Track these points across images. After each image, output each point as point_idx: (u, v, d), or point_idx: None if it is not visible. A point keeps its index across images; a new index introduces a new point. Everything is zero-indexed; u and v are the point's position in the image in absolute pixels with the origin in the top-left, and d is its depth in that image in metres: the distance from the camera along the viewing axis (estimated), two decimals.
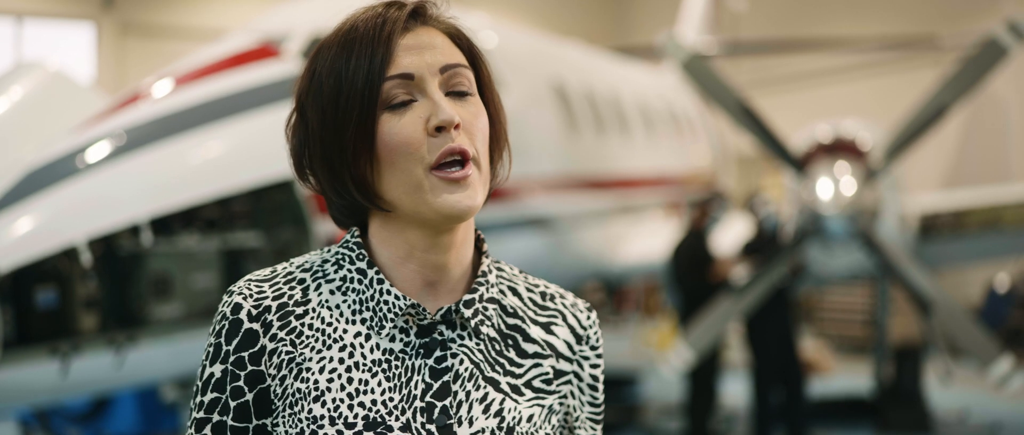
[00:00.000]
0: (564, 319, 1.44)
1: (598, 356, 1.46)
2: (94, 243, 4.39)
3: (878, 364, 9.07)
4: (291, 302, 1.33)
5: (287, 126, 1.37)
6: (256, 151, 4.89)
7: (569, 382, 1.42)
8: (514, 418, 1.34)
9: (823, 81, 15.29)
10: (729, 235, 8.85)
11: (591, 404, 1.46)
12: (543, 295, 1.45)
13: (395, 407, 1.29)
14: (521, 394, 1.36)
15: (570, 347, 1.43)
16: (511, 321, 1.40)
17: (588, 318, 1.47)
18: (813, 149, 6.80)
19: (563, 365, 1.42)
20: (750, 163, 16.13)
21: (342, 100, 1.27)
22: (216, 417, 1.31)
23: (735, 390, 9.46)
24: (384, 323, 1.32)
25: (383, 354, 1.31)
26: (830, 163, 6.60)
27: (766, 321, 7.73)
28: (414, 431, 1.28)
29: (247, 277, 1.37)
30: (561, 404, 1.41)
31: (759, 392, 8.04)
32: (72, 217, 4.40)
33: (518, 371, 1.37)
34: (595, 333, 1.47)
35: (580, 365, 1.44)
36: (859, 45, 14.33)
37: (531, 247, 7.35)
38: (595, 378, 1.46)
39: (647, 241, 9.17)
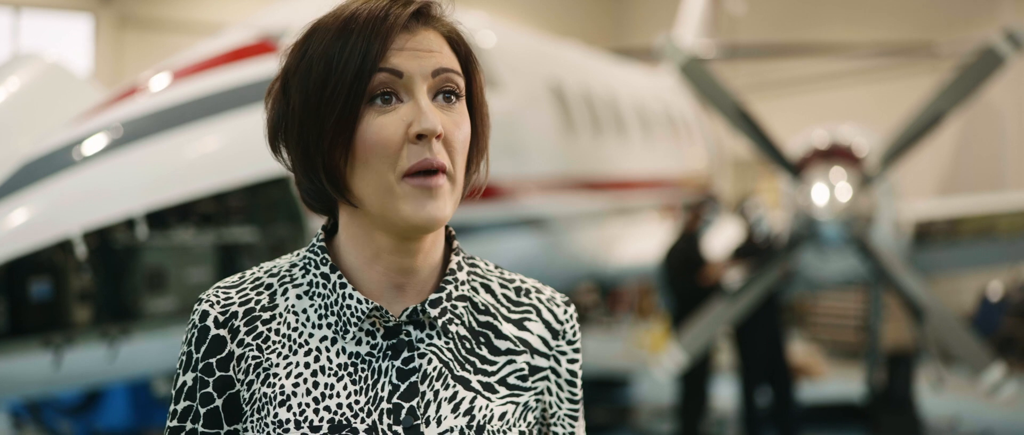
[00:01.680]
0: (539, 314, 1.43)
1: (575, 351, 1.45)
2: (89, 236, 4.38)
3: (870, 370, 9.09)
4: (258, 308, 1.34)
5: (268, 94, 1.36)
6: (253, 147, 4.88)
7: (545, 378, 1.41)
8: (485, 416, 1.33)
9: (820, 86, 15.32)
10: (721, 239, 8.86)
11: (570, 400, 1.45)
12: (518, 290, 1.44)
13: (361, 409, 1.29)
14: (494, 392, 1.35)
15: (546, 343, 1.42)
16: (483, 318, 1.39)
17: (565, 313, 1.45)
18: (809, 154, 6.81)
19: (539, 361, 1.40)
20: (746, 167, 16.16)
21: (328, 89, 1.26)
22: (189, 425, 1.33)
23: (726, 393, 9.48)
24: (349, 327, 1.32)
25: (349, 358, 1.31)
26: (826, 168, 6.61)
27: (755, 324, 7.74)
28: (380, 432, 1.28)
29: (216, 284, 1.38)
30: (537, 401, 1.40)
31: (747, 395, 8.07)
32: (67, 209, 4.39)
33: (490, 368, 1.36)
34: (572, 327, 1.45)
35: (557, 361, 1.42)
36: (857, 51, 14.35)
37: (526, 247, 7.36)
38: (573, 373, 1.44)
39: (642, 243, 9.17)
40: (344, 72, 1.25)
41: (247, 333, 1.33)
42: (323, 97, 1.26)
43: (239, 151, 4.86)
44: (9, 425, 7.56)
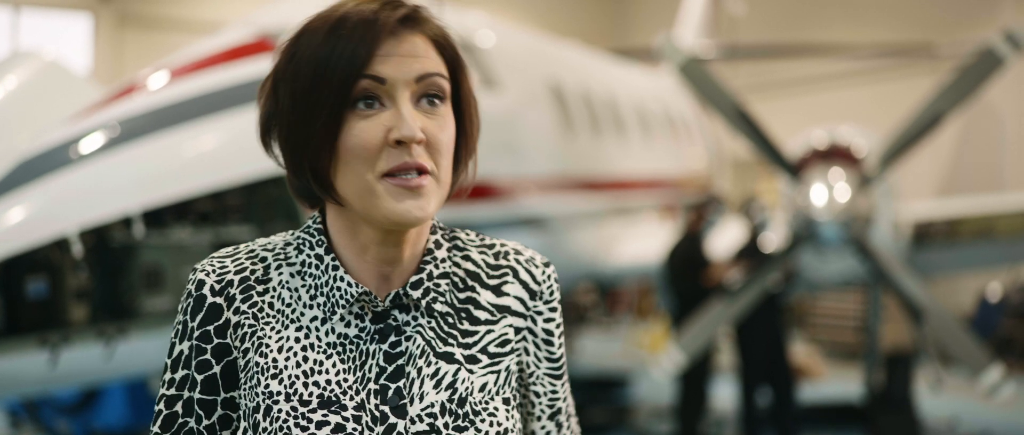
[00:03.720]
0: (516, 275, 1.45)
1: (552, 311, 1.47)
2: (86, 234, 4.37)
3: (869, 370, 9.08)
4: (252, 278, 1.37)
5: (260, 91, 1.38)
6: (250, 145, 4.85)
7: (524, 339, 1.44)
8: (466, 389, 1.35)
9: (820, 87, 15.31)
10: (724, 239, 8.85)
11: (548, 359, 1.46)
12: (497, 254, 1.47)
13: (349, 387, 1.31)
14: (476, 362, 1.37)
15: (523, 303, 1.44)
16: (463, 294, 1.41)
17: (543, 273, 1.47)
18: (808, 155, 6.80)
19: (517, 322, 1.43)
20: (746, 167, 16.15)
21: (315, 93, 1.28)
22: (186, 393, 1.35)
23: (725, 393, 9.47)
24: (337, 309, 1.34)
25: (338, 338, 1.34)
26: (825, 169, 6.60)
27: (756, 325, 7.73)
28: (367, 411, 1.30)
29: (210, 255, 1.40)
30: (517, 363, 1.43)
31: (747, 396, 8.06)
32: (64, 207, 4.38)
33: (471, 340, 1.38)
34: (549, 288, 1.47)
35: (533, 321, 1.45)
36: (856, 52, 14.34)
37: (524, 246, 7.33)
38: (549, 333, 1.46)
39: (641, 243, 9.16)
40: (331, 77, 1.27)
41: (243, 301, 1.35)
42: (310, 101, 1.28)
43: (237, 149, 4.85)
44: (7, 424, 7.56)
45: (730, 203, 12.03)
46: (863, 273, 7.08)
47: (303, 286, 1.36)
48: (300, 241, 1.40)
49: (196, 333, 1.35)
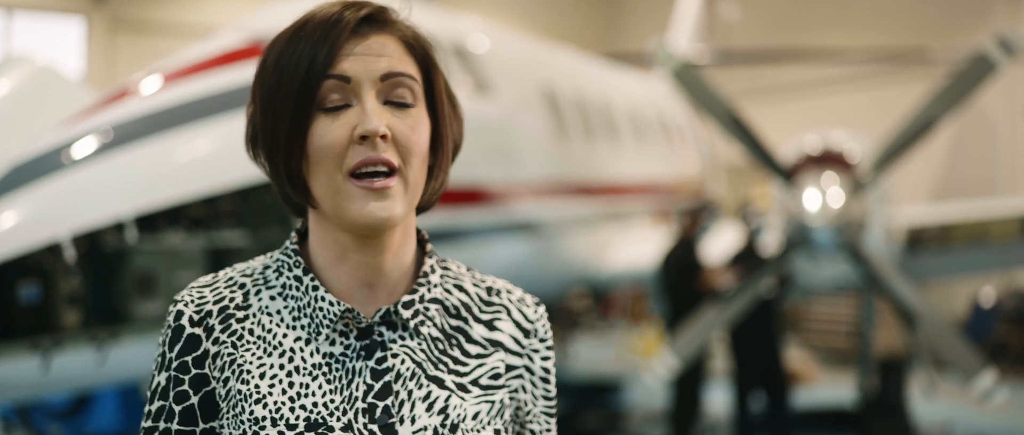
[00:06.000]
0: (509, 314, 1.44)
1: (548, 349, 1.46)
2: (78, 239, 4.36)
3: (862, 375, 9.08)
4: (232, 306, 1.36)
5: (247, 104, 1.38)
6: (243, 150, 4.85)
7: (520, 376, 1.43)
8: (459, 415, 1.34)
9: (814, 92, 15.33)
10: (719, 244, 8.85)
11: (544, 397, 1.46)
12: (489, 290, 1.46)
13: (336, 408, 1.30)
14: (467, 392, 1.36)
15: (518, 342, 1.43)
16: (454, 322, 1.40)
17: (535, 312, 1.47)
18: (801, 160, 6.81)
19: (512, 359, 1.42)
20: (739, 172, 16.16)
21: (280, 95, 1.28)
22: (162, 425, 1.34)
23: (719, 399, 9.47)
24: (321, 329, 1.33)
25: (323, 358, 1.33)
26: (818, 174, 6.61)
27: (750, 330, 7.74)
28: (356, 431, 1.29)
29: (190, 285, 1.39)
30: (512, 398, 1.42)
31: (741, 401, 8.06)
32: (57, 212, 4.37)
33: (463, 369, 1.38)
34: (543, 326, 1.47)
35: (530, 359, 1.44)
36: (850, 56, 14.38)
37: (518, 252, 7.34)
38: (546, 371, 1.46)
39: (634, 248, 9.17)
40: (293, 79, 1.28)
41: (222, 330, 1.34)
42: (276, 104, 1.29)
43: (229, 154, 4.84)
44: None
45: (724, 208, 12.03)
46: (856, 278, 7.09)
47: (285, 308, 1.35)
48: (278, 263, 1.39)
49: (174, 364, 1.33)
